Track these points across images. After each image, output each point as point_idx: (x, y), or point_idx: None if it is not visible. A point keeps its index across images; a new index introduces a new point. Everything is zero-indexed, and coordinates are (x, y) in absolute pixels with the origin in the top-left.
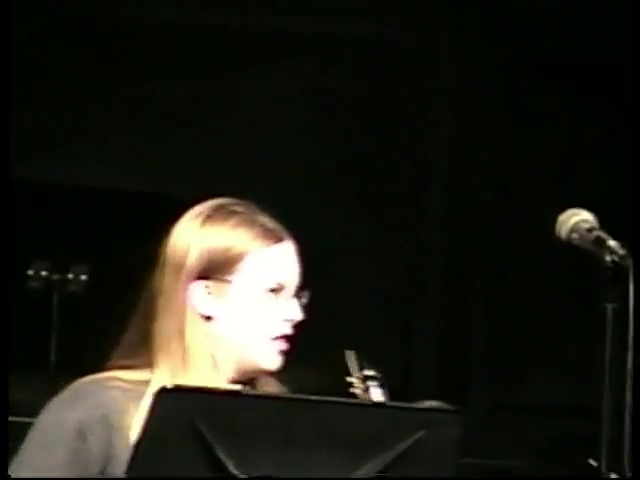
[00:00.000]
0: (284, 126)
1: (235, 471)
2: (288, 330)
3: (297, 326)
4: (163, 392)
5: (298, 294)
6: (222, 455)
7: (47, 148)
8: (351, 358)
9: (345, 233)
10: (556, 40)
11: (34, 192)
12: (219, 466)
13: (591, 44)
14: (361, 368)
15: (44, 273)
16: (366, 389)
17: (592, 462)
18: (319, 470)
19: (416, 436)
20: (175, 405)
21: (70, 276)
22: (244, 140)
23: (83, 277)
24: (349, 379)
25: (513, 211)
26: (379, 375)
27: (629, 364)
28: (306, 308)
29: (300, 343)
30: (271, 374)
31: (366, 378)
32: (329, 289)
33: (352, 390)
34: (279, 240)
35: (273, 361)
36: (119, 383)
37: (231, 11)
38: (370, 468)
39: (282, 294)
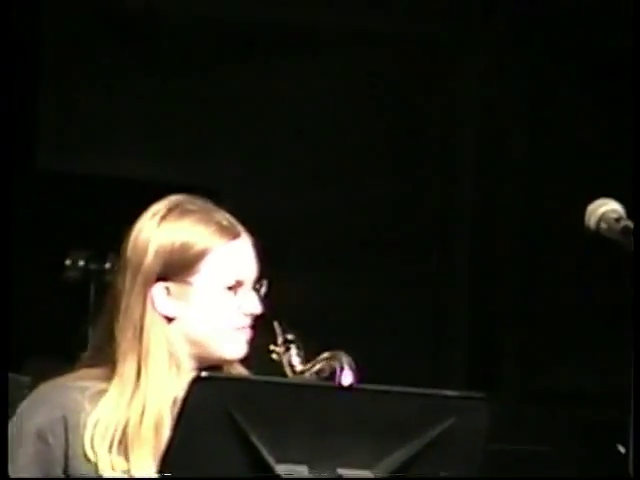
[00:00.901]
0: (316, 120)
1: (268, 456)
2: (248, 322)
3: (258, 316)
4: (198, 381)
5: (256, 286)
6: (256, 441)
7: (86, 143)
8: (277, 327)
9: (366, 209)
10: (581, 35)
11: (73, 185)
12: (253, 452)
13: (615, 40)
14: (284, 333)
15: (82, 263)
16: (286, 350)
17: (620, 448)
18: (351, 456)
19: (447, 423)
20: (210, 393)
21: (107, 266)
22: (275, 133)
23: None
24: (272, 346)
25: (542, 201)
26: (296, 338)
27: None
28: (265, 297)
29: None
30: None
31: (287, 341)
32: (361, 275)
33: (274, 353)
34: (236, 236)
35: (238, 350)
36: (80, 383)
37: (266, 5)
38: (401, 454)
39: (240, 289)
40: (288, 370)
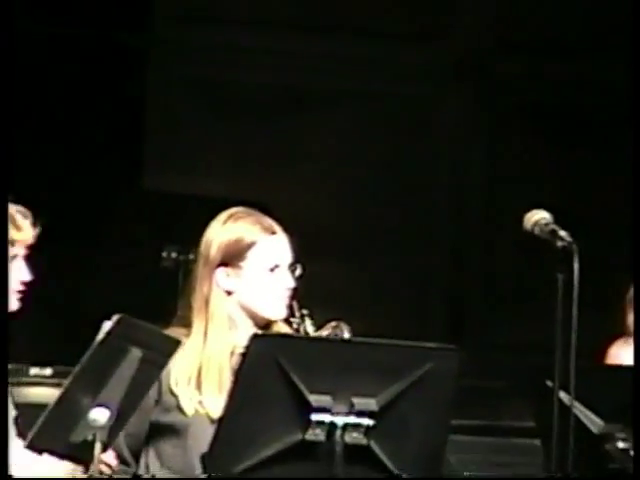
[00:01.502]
0: (335, 153)
1: (308, 394)
2: (286, 293)
3: (294, 289)
4: (255, 337)
5: (292, 268)
6: (295, 378)
7: (179, 170)
8: (295, 305)
9: (373, 214)
10: (532, 96)
11: (169, 200)
12: (293, 386)
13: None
14: (300, 309)
15: (174, 255)
16: (302, 321)
17: (549, 383)
18: (361, 389)
19: (427, 366)
20: (263, 345)
21: (191, 257)
22: (307, 163)
23: None
24: (291, 319)
25: (499, 210)
26: (309, 313)
27: (574, 314)
28: (300, 277)
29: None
30: (279, 322)
31: (303, 315)
32: (367, 262)
33: (293, 323)
34: (274, 233)
35: (279, 313)
36: None
37: (306, 74)
38: (395, 388)
39: (278, 270)
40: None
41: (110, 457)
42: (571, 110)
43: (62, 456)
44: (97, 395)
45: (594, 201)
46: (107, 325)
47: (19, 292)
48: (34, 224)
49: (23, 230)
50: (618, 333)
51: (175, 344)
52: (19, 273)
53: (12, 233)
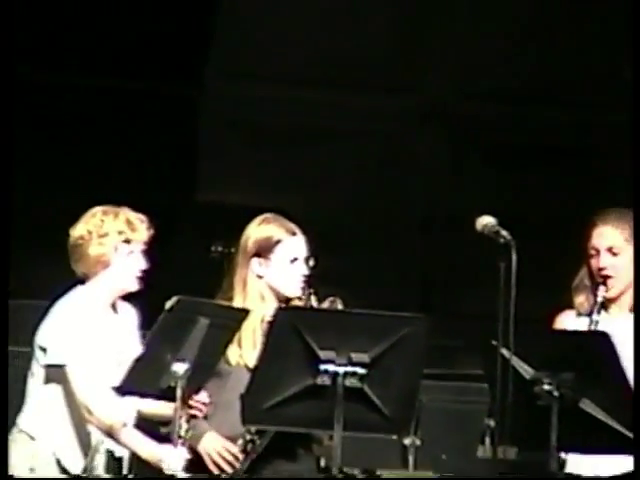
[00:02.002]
0: (336, 176)
1: (318, 350)
2: (302, 279)
3: (308, 275)
4: (279, 309)
5: (307, 260)
6: (309, 339)
7: (225, 185)
8: (306, 287)
9: (366, 218)
10: (485, 134)
11: (220, 209)
12: (307, 344)
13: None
14: (308, 288)
15: (219, 249)
16: (308, 298)
17: (494, 342)
18: (356, 345)
19: (404, 331)
20: (285, 315)
21: (232, 250)
22: (319, 179)
23: None
24: (300, 295)
25: (460, 219)
26: (314, 292)
27: (512, 294)
28: (313, 267)
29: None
30: (295, 299)
31: (310, 293)
32: (367, 254)
33: (301, 300)
34: (294, 233)
35: (297, 292)
36: None
37: (314, 117)
38: (381, 346)
39: (297, 262)
40: None
41: (203, 396)
42: (516, 145)
43: (158, 397)
44: (176, 353)
45: (534, 211)
46: (168, 304)
47: (138, 278)
48: (149, 227)
49: (138, 231)
50: (564, 306)
51: (245, 313)
52: (137, 263)
53: (128, 234)
